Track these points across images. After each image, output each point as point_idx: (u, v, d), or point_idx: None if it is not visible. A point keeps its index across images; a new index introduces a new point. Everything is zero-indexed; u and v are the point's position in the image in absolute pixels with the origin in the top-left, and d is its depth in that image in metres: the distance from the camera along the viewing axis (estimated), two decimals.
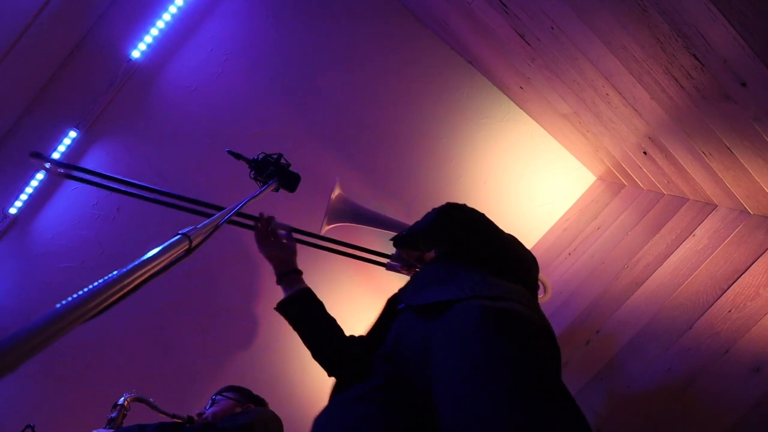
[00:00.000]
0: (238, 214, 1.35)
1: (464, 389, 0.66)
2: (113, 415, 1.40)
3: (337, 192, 1.53)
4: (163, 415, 1.45)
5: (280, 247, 1.30)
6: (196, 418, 1.44)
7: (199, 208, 1.24)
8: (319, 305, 1.23)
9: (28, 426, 1.19)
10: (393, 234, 1.37)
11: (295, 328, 1.21)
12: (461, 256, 1.11)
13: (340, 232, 1.55)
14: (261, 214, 1.31)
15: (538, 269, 1.21)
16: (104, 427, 1.37)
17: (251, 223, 1.31)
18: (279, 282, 1.27)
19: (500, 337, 0.71)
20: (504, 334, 0.72)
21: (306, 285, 1.27)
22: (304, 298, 1.23)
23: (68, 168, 1.17)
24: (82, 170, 1.16)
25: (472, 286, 0.89)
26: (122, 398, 1.45)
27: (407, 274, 1.46)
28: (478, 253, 1.11)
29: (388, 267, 1.49)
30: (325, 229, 1.51)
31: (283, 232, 1.34)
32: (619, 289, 1.49)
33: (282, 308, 1.22)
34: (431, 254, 1.40)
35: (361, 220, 1.58)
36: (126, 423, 1.41)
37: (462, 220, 1.17)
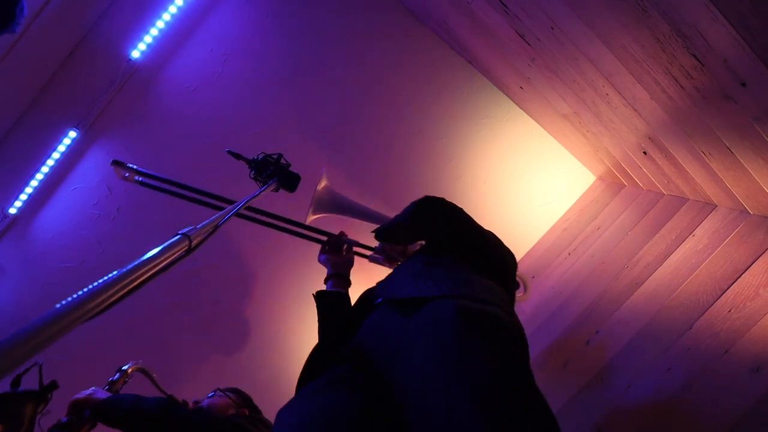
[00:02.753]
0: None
1: (435, 388, 0.65)
2: (115, 378, 1.40)
3: (323, 183, 1.53)
4: (160, 392, 1.45)
5: (338, 255, 1.44)
6: (191, 404, 1.45)
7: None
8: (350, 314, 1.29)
9: (36, 363, 1.19)
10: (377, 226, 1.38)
11: (320, 319, 1.27)
12: (440, 250, 1.11)
13: (328, 223, 1.56)
14: (342, 233, 1.48)
15: (516, 265, 1.20)
16: (103, 388, 1.37)
17: (324, 238, 1.50)
18: (327, 280, 1.37)
19: (472, 337, 0.70)
20: (476, 333, 0.71)
21: (348, 294, 1.34)
22: (342, 300, 1.30)
23: (147, 176, 1.23)
24: (160, 179, 1.21)
25: (448, 284, 0.88)
26: (128, 365, 1.46)
27: (390, 267, 1.48)
28: (456, 247, 1.11)
29: (371, 259, 1.52)
30: (310, 219, 1.52)
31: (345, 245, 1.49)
32: (619, 289, 1.49)
33: (319, 296, 1.30)
34: (415, 247, 1.42)
35: (346, 212, 1.59)
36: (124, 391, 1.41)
37: (439, 213, 1.17)
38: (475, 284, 0.91)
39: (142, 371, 1.48)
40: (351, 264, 1.43)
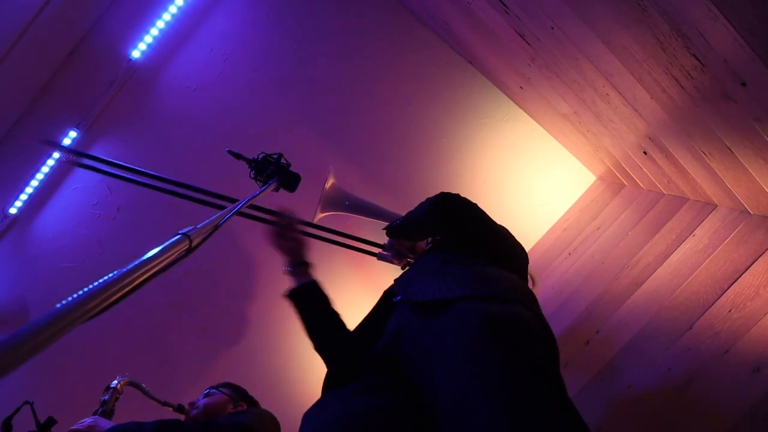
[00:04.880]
0: (256, 207, 1.32)
1: (464, 395, 0.66)
2: (106, 397, 1.40)
3: (331, 181, 1.53)
4: (155, 401, 1.45)
5: (292, 240, 1.30)
6: (187, 407, 1.44)
7: (203, 197, 1.25)
8: (324, 299, 1.23)
9: (27, 402, 1.17)
10: (386, 224, 1.37)
11: (300, 317, 1.21)
12: (455, 246, 1.10)
13: (333, 221, 1.55)
14: (281, 210, 1.31)
15: (528, 260, 1.21)
16: (97, 409, 1.36)
17: (268, 217, 1.30)
18: (289, 273, 1.27)
19: (499, 344, 0.70)
20: (502, 340, 0.71)
21: (314, 278, 1.26)
22: (312, 290, 1.23)
23: (79, 155, 1.21)
24: (93, 158, 1.18)
25: (470, 282, 0.87)
26: (115, 381, 1.45)
27: (398, 264, 1.46)
28: (472, 243, 1.10)
29: (379, 257, 1.49)
30: (318, 217, 1.51)
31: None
32: (619, 289, 1.49)
33: (290, 296, 1.23)
34: (423, 244, 1.40)
35: (354, 210, 1.58)
36: (118, 406, 1.41)
37: (456, 209, 1.17)
38: (499, 281, 0.90)
39: (132, 384, 1.47)
40: (305, 245, 1.30)
